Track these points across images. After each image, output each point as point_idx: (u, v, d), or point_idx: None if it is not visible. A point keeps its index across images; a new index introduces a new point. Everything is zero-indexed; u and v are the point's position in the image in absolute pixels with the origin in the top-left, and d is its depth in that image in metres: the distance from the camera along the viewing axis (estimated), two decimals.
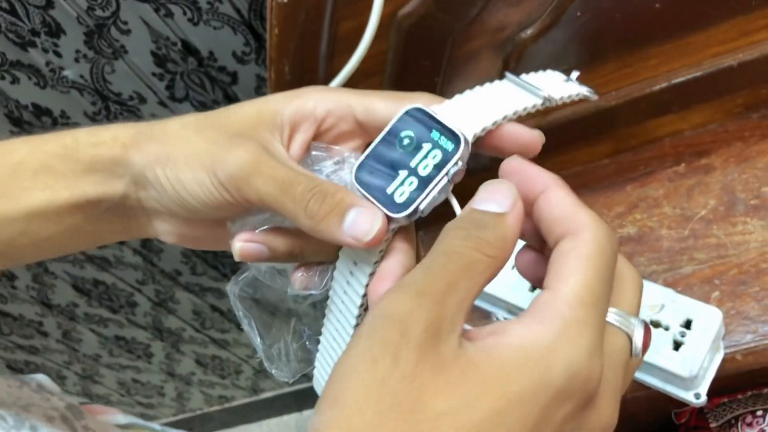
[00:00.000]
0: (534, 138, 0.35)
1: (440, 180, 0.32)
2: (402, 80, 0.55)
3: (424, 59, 0.55)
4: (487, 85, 0.36)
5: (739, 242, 0.57)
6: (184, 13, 0.64)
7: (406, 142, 0.34)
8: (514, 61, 0.55)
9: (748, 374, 0.55)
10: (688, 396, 0.52)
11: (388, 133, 0.34)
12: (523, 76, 0.37)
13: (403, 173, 0.33)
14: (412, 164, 0.33)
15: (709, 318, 0.52)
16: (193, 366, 1.31)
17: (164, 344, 1.22)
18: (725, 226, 0.58)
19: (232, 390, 1.43)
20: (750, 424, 0.59)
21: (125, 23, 0.65)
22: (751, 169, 0.59)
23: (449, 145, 0.33)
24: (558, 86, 0.37)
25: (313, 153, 0.38)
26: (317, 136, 0.38)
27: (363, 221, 0.32)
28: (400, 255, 0.34)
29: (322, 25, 0.52)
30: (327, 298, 0.37)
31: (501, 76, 0.37)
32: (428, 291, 0.27)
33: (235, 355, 1.30)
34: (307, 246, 0.37)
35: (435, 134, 0.33)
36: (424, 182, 0.32)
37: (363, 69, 0.51)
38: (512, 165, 0.33)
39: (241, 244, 0.36)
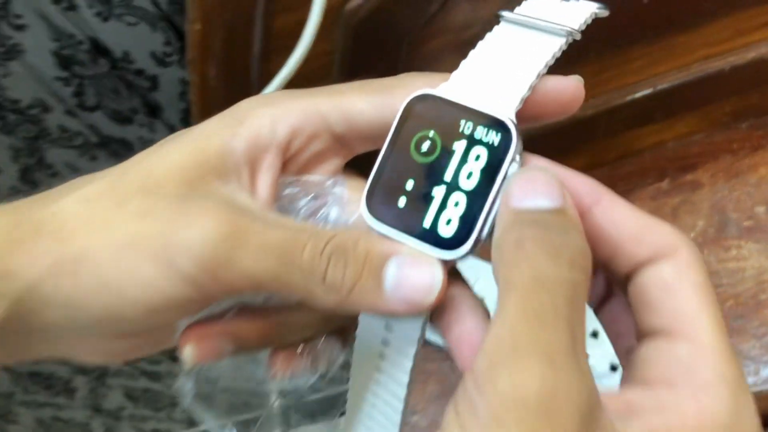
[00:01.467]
0: (577, 87, 0.27)
1: (498, 192, 0.24)
2: None
3: (376, 61, 0.49)
4: (489, 37, 0.28)
5: (733, 270, 0.51)
6: (90, 7, 0.56)
7: (426, 146, 0.25)
8: None
9: None
10: None
11: (395, 139, 0.26)
12: (518, 10, 0.28)
13: (438, 192, 0.25)
14: (448, 176, 0.25)
15: None
16: (122, 400, 1.21)
17: (87, 378, 1.11)
18: (717, 250, 0.53)
19: (167, 423, 1.33)
20: None
21: (18, 17, 0.55)
22: (743, 186, 0.54)
23: (494, 137, 0.24)
24: (564, 11, 0.28)
25: (286, 192, 0.29)
26: (283, 169, 0.29)
27: (413, 274, 0.24)
28: (466, 303, 0.25)
29: (254, 19, 0.46)
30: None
31: (495, 19, 0.28)
32: (557, 352, 0.20)
33: (170, 387, 1.20)
34: (287, 324, 0.28)
35: (466, 125, 0.25)
36: (477, 198, 0.24)
37: (304, 72, 0.45)
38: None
39: (193, 347, 0.27)
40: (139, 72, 0.64)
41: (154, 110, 0.66)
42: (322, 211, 0.28)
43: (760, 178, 0.54)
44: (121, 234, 0.25)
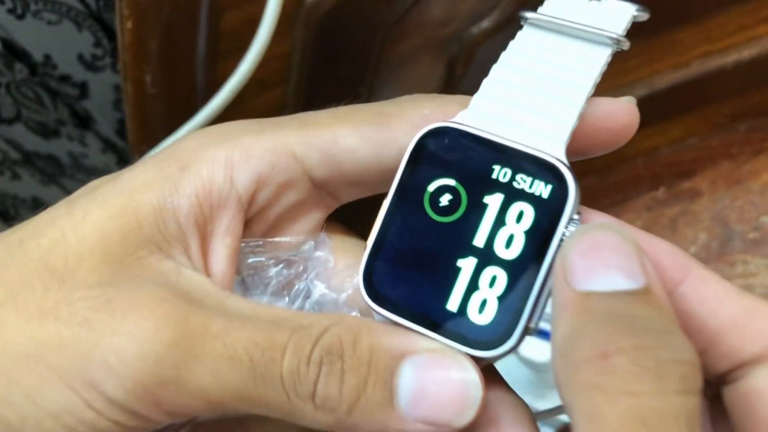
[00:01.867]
0: (631, 111, 0.21)
1: (551, 263, 0.19)
2: (314, 92, 0.44)
3: (343, 63, 0.44)
4: (514, 47, 0.22)
5: (741, 287, 0.46)
6: (1, 2, 0.49)
7: (447, 200, 0.20)
8: (462, 65, 0.45)
9: None
10: None
11: (403, 190, 0.20)
12: (543, 10, 0.23)
13: (467, 264, 0.19)
14: (479, 242, 0.19)
15: None
16: None
17: None
18: (722, 267, 0.50)
19: None
20: None
21: None
22: (745, 194, 0.51)
23: (542, 187, 0.19)
24: (599, 13, 0.22)
25: (250, 260, 0.22)
26: (245, 229, 0.22)
27: (438, 383, 0.18)
28: (507, 413, 0.19)
29: (198, 15, 0.40)
30: None
31: (517, 24, 0.23)
32: None
33: None
34: None
35: (502, 172, 0.19)
36: (522, 273, 0.19)
37: (260, 78, 0.40)
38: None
39: None
40: (65, 78, 0.58)
41: (84, 121, 0.59)
42: (299, 285, 0.22)
43: (764, 184, 0.51)
44: (16, 342, 0.18)
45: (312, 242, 0.23)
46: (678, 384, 0.15)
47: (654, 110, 0.50)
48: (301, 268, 0.22)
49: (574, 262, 0.17)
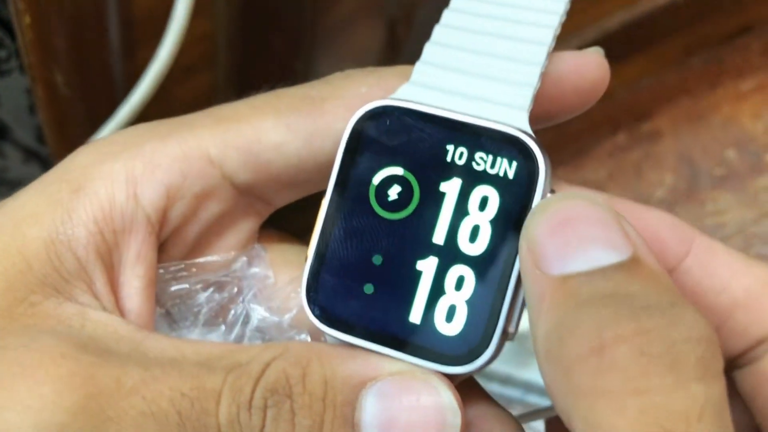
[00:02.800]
0: (601, 64, 0.19)
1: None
2: (246, 72, 0.41)
3: (274, 36, 0.41)
4: (455, 2, 0.19)
5: (713, 226, 0.48)
6: None
7: (396, 192, 0.17)
8: (404, 26, 0.42)
9: None
10: None
11: (343, 186, 0.17)
12: None
13: (427, 266, 0.17)
14: (439, 238, 0.17)
15: None
16: None
17: None
18: (691, 207, 0.49)
19: None
20: None
21: None
22: (707, 130, 0.50)
23: (505, 165, 0.16)
24: None
25: (172, 289, 0.19)
26: (159, 253, 0.19)
27: (408, 411, 0.16)
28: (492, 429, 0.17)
29: (106, 3, 0.37)
30: None
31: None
32: None
33: None
34: None
35: (457, 152, 0.17)
36: (493, 270, 0.16)
37: (184, 63, 0.37)
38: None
39: None
40: None
41: None
42: (235, 309, 0.19)
43: (725, 118, 0.50)
44: None
45: (245, 258, 0.20)
46: (697, 370, 0.13)
47: (607, 53, 0.48)
48: (236, 289, 0.20)
49: (543, 243, 0.15)
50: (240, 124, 0.19)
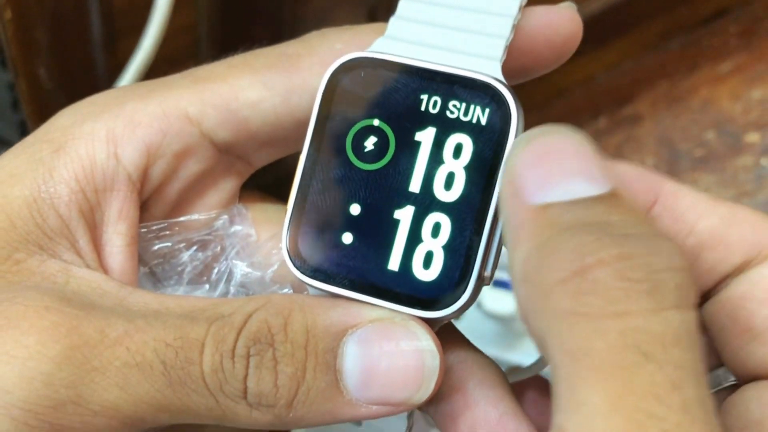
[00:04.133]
0: (573, 18, 0.19)
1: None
2: None
3: (255, 26, 0.41)
4: None
5: None
6: None
7: (372, 144, 0.17)
8: (384, 11, 0.41)
9: None
10: None
11: (320, 138, 0.17)
12: None
13: (404, 214, 0.17)
14: (415, 187, 0.17)
15: None
16: None
17: None
18: None
19: None
20: None
21: None
22: (686, 112, 0.50)
23: (478, 113, 0.16)
24: None
25: (156, 247, 0.19)
26: (141, 212, 0.19)
27: (389, 357, 0.16)
28: (473, 374, 0.17)
29: None
30: None
31: None
32: None
33: None
34: None
35: (431, 101, 0.17)
36: (468, 215, 0.16)
37: (165, 54, 0.36)
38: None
39: None
40: None
41: None
42: (218, 267, 0.19)
43: (704, 100, 0.50)
44: None
45: (226, 216, 0.20)
46: (675, 298, 0.13)
47: (586, 37, 0.49)
48: (219, 248, 0.20)
49: (524, 174, 0.15)
50: (217, 83, 0.19)
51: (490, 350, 0.44)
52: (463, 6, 0.18)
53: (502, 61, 0.17)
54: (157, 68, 0.35)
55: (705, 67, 0.50)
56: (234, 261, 0.20)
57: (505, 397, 0.17)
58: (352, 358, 0.16)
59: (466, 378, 0.17)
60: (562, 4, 0.19)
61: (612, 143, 0.51)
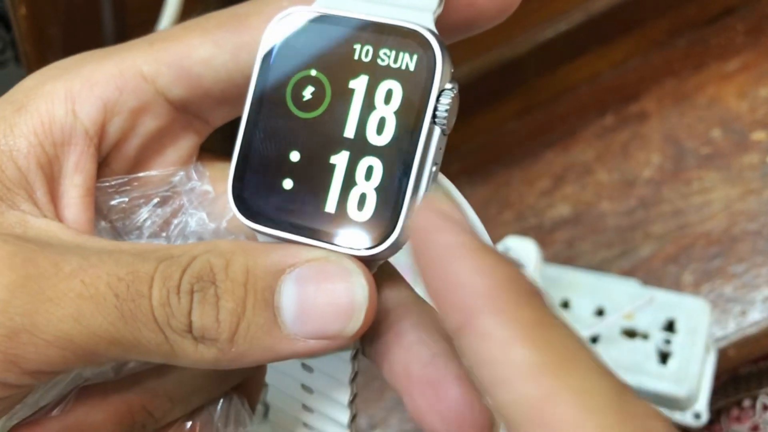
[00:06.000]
0: None
1: (427, 140, 0.17)
2: None
3: None
4: None
5: (699, 205, 0.48)
6: None
7: (309, 93, 0.18)
8: None
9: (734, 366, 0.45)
10: (685, 418, 0.42)
11: (261, 90, 0.18)
12: None
13: (340, 159, 0.17)
14: (350, 132, 0.17)
15: (694, 313, 0.43)
16: None
17: None
18: (678, 186, 0.49)
19: None
20: (738, 419, 0.49)
21: None
22: (693, 110, 0.50)
23: (407, 59, 0.17)
24: None
25: (114, 202, 0.20)
26: (100, 171, 0.20)
27: (322, 293, 0.17)
28: (407, 315, 0.18)
29: None
30: None
31: None
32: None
33: None
34: (159, 397, 0.20)
35: (364, 50, 0.17)
36: (398, 157, 0.17)
37: None
38: (423, 235, 0.16)
39: None
40: None
41: None
42: (176, 221, 0.20)
43: (710, 98, 0.50)
44: None
45: (183, 173, 0.20)
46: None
47: (593, 35, 0.49)
48: (178, 203, 0.20)
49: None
50: (171, 43, 0.19)
51: None
52: None
53: (437, 12, 0.18)
54: None
55: (712, 64, 0.50)
56: (191, 211, 0.20)
57: (439, 340, 0.18)
58: (289, 295, 0.17)
59: (401, 319, 0.18)
60: None
61: (618, 141, 0.51)
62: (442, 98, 0.17)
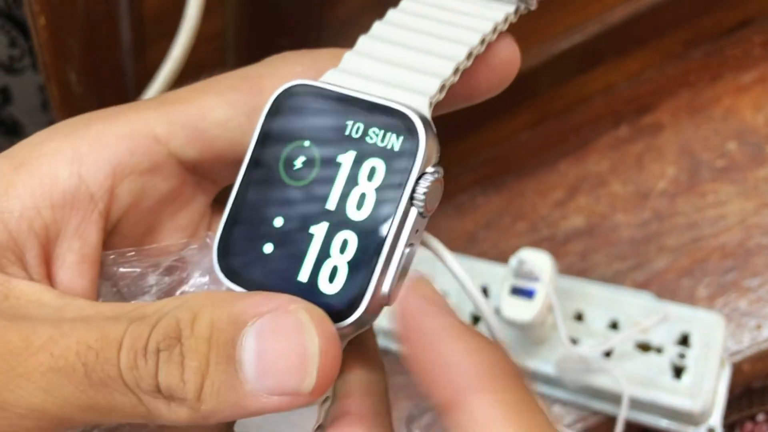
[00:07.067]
0: (510, 43, 0.20)
1: (402, 220, 0.17)
2: None
3: (281, 36, 0.41)
4: (404, 3, 0.21)
5: (714, 218, 0.47)
6: None
7: (300, 163, 0.18)
8: None
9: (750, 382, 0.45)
10: None
11: (258, 155, 0.19)
12: None
13: (319, 230, 0.18)
14: (331, 205, 0.18)
15: (709, 327, 0.42)
16: None
17: None
18: (693, 198, 0.49)
19: None
20: None
21: None
22: (708, 122, 0.50)
23: (393, 140, 0.18)
24: None
25: (122, 270, 0.20)
26: (112, 237, 0.20)
27: (279, 346, 0.16)
28: (360, 400, 0.19)
29: (117, 3, 0.37)
30: None
31: None
32: None
33: None
34: None
35: (355, 127, 0.18)
36: (372, 235, 0.18)
37: (192, 61, 0.37)
38: (408, 319, 0.18)
39: None
40: None
41: (12, 128, 0.55)
42: (181, 290, 0.20)
43: (726, 110, 0.50)
44: None
45: (195, 246, 0.20)
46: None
47: (608, 46, 0.49)
48: (185, 274, 0.20)
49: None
50: (184, 105, 0.19)
51: (510, 355, 0.44)
52: (416, 47, 0.19)
53: (436, 98, 0.18)
54: (185, 77, 0.36)
55: (728, 76, 0.50)
56: (195, 277, 0.20)
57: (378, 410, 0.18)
58: (249, 348, 0.16)
59: (354, 386, 0.18)
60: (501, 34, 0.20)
61: (633, 152, 0.51)
62: (422, 181, 0.17)
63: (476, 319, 0.44)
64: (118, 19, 0.37)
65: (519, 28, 0.46)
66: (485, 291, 0.45)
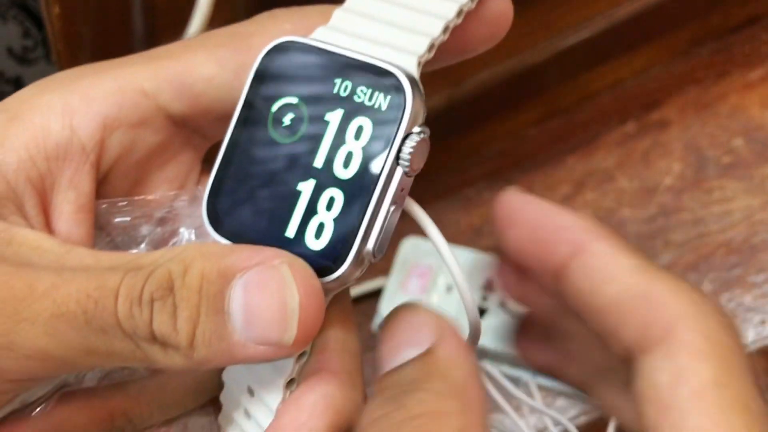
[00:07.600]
0: (504, 4, 0.20)
1: (387, 178, 0.18)
2: None
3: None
4: None
5: (719, 213, 0.48)
6: None
7: (289, 120, 0.18)
8: None
9: None
10: None
11: (247, 112, 0.19)
12: None
13: (306, 186, 0.18)
14: (319, 162, 0.18)
15: None
16: None
17: None
18: (698, 194, 0.49)
19: None
20: None
21: None
22: (715, 118, 0.50)
23: (380, 99, 0.18)
24: None
25: (116, 220, 0.20)
26: (102, 187, 0.20)
27: (263, 299, 0.17)
28: (334, 357, 0.19)
29: None
30: None
31: None
32: None
33: None
34: (140, 404, 0.20)
35: (343, 85, 0.18)
36: (358, 193, 0.18)
37: None
38: (509, 212, 0.22)
39: None
40: None
41: None
42: (173, 241, 0.20)
43: (733, 107, 0.50)
44: None
45: (186, 198, 0.21)
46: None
47: (615, 42, 0.49)
48: (177, 225, 0.21)
49: (380, 349, 0.18)
50: (173, 60, 0.20)
51: (514, 349, 0.45)
52: (406, 4, 0.19)
53: (425, 57, 0.18)
54: None
55: (735, 73, 0.50)
56: (186, 231, 0.21)
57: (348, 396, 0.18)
58: (237, 300, 0.17)
59: (329, 342, 0.19)
60: None
61: (639, 148, 0.51)
62: (408, 141, 0.17)
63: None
64: (130, 8, 0.37)
65: (527, 24, 0.46)
66: (491, 284, 0.45)
